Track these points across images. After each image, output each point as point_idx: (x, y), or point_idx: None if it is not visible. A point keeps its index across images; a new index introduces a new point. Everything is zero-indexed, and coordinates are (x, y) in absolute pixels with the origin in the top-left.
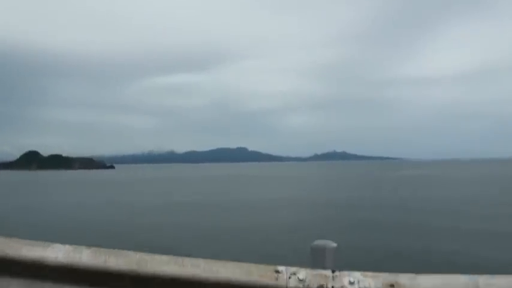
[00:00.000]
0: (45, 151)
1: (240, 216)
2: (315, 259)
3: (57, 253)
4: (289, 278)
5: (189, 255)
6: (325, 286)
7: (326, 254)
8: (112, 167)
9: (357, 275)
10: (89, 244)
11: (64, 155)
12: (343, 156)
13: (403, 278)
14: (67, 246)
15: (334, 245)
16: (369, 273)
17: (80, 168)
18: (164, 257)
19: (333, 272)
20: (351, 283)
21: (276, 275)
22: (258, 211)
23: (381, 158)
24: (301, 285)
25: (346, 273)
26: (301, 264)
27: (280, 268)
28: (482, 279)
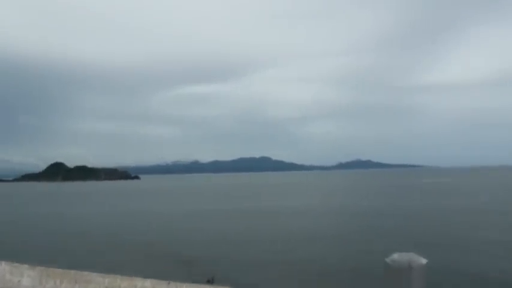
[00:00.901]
0: (70, 162)
1: (275, 224)
2: (395, 279)
3: None
4: None
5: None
6: None
7: (413, 274)
8: (137, 177)
9: None
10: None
11: (89, 166)
12: (368, 164)
13: None
14: (3, 265)
15: (423, 261)
16: None
17: (105, 179)
18: (139, 281)
19: None
20: None
21: None
22: (287, 218)
23: (405, 166)
24: None
25: None
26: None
27: None
28: None
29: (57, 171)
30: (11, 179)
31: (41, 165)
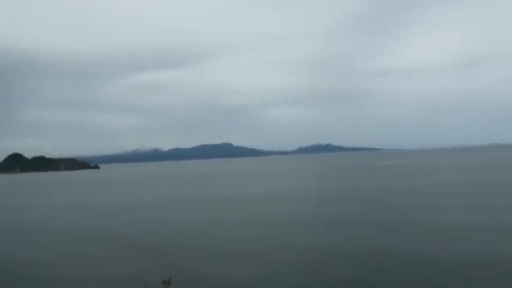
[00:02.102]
0: (28, 153)
1: (241, 210)
2: None
3: None
4: None
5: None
6: None
7: None
8: (97, 167)
9: None
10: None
11: (47, 156)
12: (328, 148)
13: None
14: None
15: None
16: None
17: (64, 169)
18: None
19: None
20: None
21: None
22: (250, 205)
23: (366, 149)
24: None
25: None
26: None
27: None
28: None
29: (15, 163)
30: None
31: None
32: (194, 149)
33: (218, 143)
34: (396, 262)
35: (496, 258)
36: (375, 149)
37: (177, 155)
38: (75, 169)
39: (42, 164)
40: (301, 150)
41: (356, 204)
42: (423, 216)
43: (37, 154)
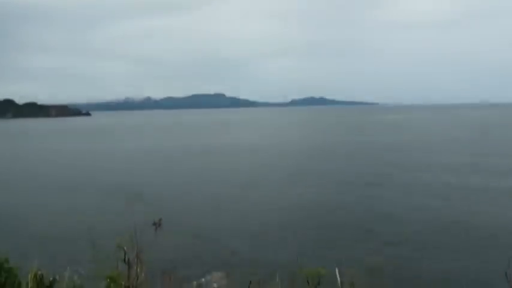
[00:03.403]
0: (20, 99)
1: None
2: None
3: None
4: None
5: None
6: None
7: None
8: (88, 114)
9: None
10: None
11: (39, 103)
12: (322, 101)
13: None
14: None
15: None
16: None
17: (56, 116)
18: None
19: None
20: None
21: None
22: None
23: (360, 103)
24: None
25: None
26: None
27: None
28: None
29: (6, 109)
30: None
31: None
32: (186, 98)
33: (211, 93)
34: (376, 216)
35: (477, 219)
36: (369, 104)
37: (169, 104)
38: (67, 116)
39: (33, 110)
40: (294, 103)
41: (344, 158)
42: (412, 173)
43: (29, 100)
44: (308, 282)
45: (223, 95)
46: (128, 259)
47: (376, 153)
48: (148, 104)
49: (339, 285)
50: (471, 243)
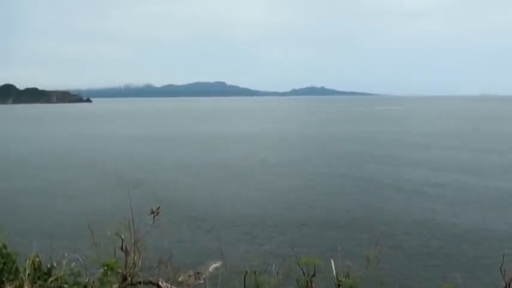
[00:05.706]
0: (20, 84)
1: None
2: None
3: None
4: None
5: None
6: None
7: None
8: (89, 100)
9: None
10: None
11: (40, 88)
12: (322, 91)
13: None
14: None
15: None
16: None
17: (57, 101)
18: None
19: None
20: None
21: None
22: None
23: (360, 94)
24: None
25: None
26: None
27: None
28: None
29: (7, 94)
30: None
31: None
32: (187, 86)
33: (212, 81)
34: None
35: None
36: (368, 94)
37: (170, 91)
38: (68, 102)
39: (34, 95)
40: (295, 92)
41: (342, 151)
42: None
43: (29, 85)
44: (304, 273)
45: (224, 83)
46: (125, 247)
47: (372, 144)
48: (148, 91)
49: (334, 276)
50: (467, 235)
